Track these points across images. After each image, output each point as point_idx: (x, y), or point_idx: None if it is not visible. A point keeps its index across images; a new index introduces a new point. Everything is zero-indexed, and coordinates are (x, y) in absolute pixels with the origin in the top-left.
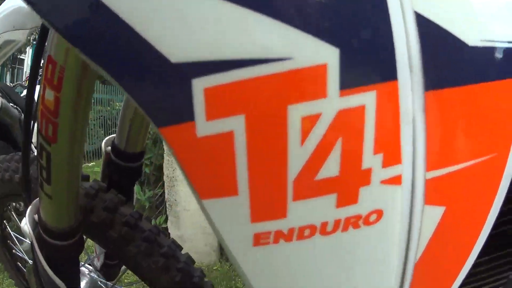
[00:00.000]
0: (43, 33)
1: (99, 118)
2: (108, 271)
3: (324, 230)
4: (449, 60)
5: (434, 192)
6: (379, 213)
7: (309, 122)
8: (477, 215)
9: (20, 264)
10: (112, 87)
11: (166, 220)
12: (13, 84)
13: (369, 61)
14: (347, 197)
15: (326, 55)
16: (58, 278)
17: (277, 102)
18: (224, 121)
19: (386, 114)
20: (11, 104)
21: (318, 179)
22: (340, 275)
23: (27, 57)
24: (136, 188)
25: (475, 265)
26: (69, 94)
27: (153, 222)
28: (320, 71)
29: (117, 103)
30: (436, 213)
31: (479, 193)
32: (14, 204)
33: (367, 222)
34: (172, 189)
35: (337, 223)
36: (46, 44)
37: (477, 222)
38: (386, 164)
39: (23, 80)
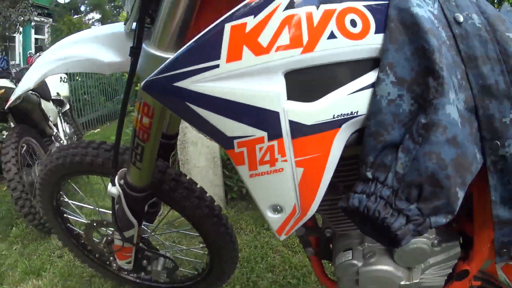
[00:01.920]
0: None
1: (99, 85)
2: (149, 217)
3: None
4: None
5: (298, 164)
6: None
7: None
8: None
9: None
10: None
11: None
12: (20, 68)
13: None
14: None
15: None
16: (133, 217)
17: None
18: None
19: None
20: (30, 91)
21: None
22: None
23: (18, 35)
24: None
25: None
26: (156, 120)
27: None
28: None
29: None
30: (299, 170)
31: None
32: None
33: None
34: (184, 150)
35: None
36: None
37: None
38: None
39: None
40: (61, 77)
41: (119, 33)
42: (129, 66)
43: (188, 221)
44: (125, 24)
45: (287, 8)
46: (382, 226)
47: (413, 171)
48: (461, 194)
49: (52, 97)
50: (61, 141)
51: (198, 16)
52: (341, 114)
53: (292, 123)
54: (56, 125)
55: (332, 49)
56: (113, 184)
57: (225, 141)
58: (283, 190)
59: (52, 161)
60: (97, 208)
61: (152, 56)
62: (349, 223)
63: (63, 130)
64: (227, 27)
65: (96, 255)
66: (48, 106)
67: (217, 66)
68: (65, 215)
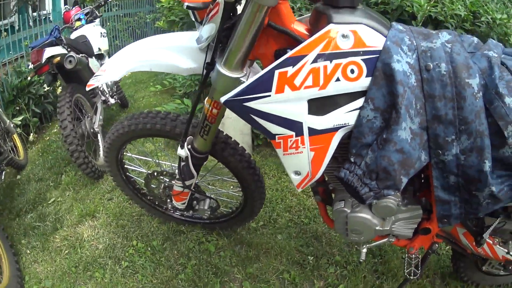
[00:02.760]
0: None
1: (128, 29)
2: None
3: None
4: None
5: (312, 150)
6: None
7: None
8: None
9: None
10: (137, 1)
11: None
12: (61, 27)
13: None
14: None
15: None
16: (194, 171)
17: None
18: None
19: None
20: (80, 55)
21: None
22: None
23: None
24: (187, 101)
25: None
26: (221, 111)
27: None
28: None
29: (142, 13)
30: (311, 153)
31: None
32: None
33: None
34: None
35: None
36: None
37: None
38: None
39: (71, 21)
40: (101, 32)
41: (193, 47)
42: (202, 74)
43: (231, 172)
44: (197, 41)
45: (313, 62)
46: (355, 191)
47: (375, 164)
48: (405, 180)
49: (95, 53)
50: (106, 94)
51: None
52: (338, 124)
53: (309, 128)
54: None
55: (337, 88)
56: (182, 148)
57: (271, 136)
58: (302, 163)
59: (124, 126)
60: (157, 161)
61: (221, 73)
62: None
63: (106, 83)
64: (276, 72)
65: (148, 198)
66: (93, 63)
67: (269, 95)
68: (125, 166)
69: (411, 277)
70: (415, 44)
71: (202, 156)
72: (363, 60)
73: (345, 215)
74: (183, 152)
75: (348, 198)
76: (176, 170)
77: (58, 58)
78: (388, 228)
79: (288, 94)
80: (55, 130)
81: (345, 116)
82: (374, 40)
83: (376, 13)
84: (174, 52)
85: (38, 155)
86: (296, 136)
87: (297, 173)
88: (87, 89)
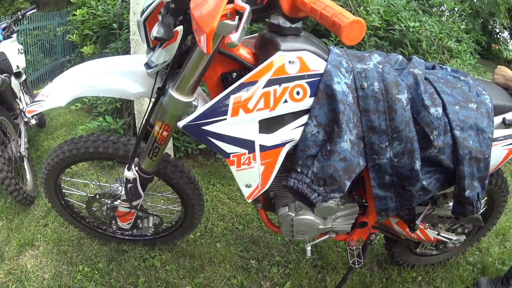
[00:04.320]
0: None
1: (38, 42)
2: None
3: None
4: None
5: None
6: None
7: None
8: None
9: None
10: (46, 14)
11: None
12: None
13: None
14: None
15: None
16: (142, 191)
17: None
18: None
19: None
20: (3, 75)
21: None
22: None
23: None
24: (109, 118)
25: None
26: (170, 133)
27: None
28: None
29: (51, 26)
30: (262, 167)
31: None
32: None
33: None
34: (141, 119)
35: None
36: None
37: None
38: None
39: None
40: (18, 49)
41: (140, 71)
42: (150, 98)
43: (172, 188)
44: (145, 65)
45: (264, 87)
46: (305, 197)
47: (322, 172)
48: (348, 183)
49: (14, 71)
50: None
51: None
52: (286, 140)
53: (260, 145)
54: (19, 98)
55: (285, 108)
56: (129, 170)
57: (226, 154)
58: (253, 177)
59: (64, 151)
60: (98, 183)
61: (174, 98)
62: (286, 190)
63: (25, 102)
64: (232, 97)
65: (87, 220)
66: (14, 83)
67: (225, 119)
68: (63, 190)
69: (356, 266)
70: (351, 66)
71: (149, 176)
72: (307, 82)
73: (291, 219)
74: (130, 174)
75: (291, 203)
76: (118, 191)
77: None
78: (330, 226)
79: (242, 116)
80: None
81: (291, 133)
82: (317, 64)
83: (316, 39)
84: (121, 76)
85: None
86: (249, 153)
87: (247, 185)
88: (28, 115)
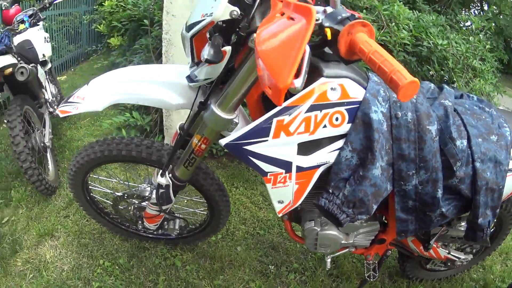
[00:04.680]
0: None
1: (63, 28)
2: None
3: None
4: None
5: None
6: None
7: None
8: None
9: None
10: (72, 0)
11: (162, 139)
12: (4, 30)
13: None
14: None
15: None
16: (173, 197)
17: None
18: None
19: None
20: (31, 65)
21: None
22: None
23: None
24: (136, 114)
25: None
26: (208, 147)
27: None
28: None
29: (77, 13)
30: (296, 186)
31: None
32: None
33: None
34: (168, 117)
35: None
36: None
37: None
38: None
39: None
40: (45, 37)
41: (181, 83)
42: (190, 110)
43: (201, 194)
44: (188, 78)
45: (306, 111)
46: (334, 216)
47: (352, 195)
48: (375, 207)
49: (40, 60)
50: (54, 105)
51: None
52: (321, 162)
53: (297, 166)
54: (45, 87)
55: (323, 133)
56: (163, 176)
57: (263, 173)
58: (286, 194)
59: (95, 151)
60: (127, 183)
61: (216, 114)
62: (313, 206)
63: (50, 91)
64: (274, 120)
65: (111, 216)
66: (40, 72)
67: (267, 140)
68: (90, 187)
69: (371, 280)
70: (388, 95)
71: (182, 184)
72: (346, 109)
73: (316, 233)
74: (163, 180)
75: (317, 218)
76: (146, 192)
77: (10, 69)
78: (351, 241)
79: (283, 139)
80: None
81: (327, 156)
82: (356, 92)
83: (356, 65)
84: (162, 86)
85: None
86: (285, 173)
87: (280, 201)
88: (61, 115)
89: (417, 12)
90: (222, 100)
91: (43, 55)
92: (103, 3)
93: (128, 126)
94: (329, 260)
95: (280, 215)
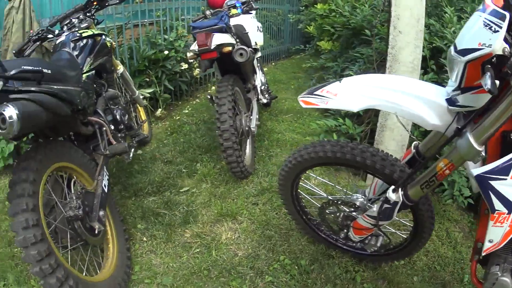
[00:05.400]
0: None
1: (266, 23)
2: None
3: None
4: None
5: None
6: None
7: None
8: None
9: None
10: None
11: None
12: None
13: None
14: None
15: None
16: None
17: None
18: None
19: None
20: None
21: None
22: None
23: None
24: (348, 122)
25: None
26: (452, 173)
27: None
28: None
29: (280, 11)
30: (508, 228)
31: None
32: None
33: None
34: (381, 133)
35: None
36: None
37: None
38: None
39: None
40: (258, 26)
41: (440, 104)
42: (442, 134)
43: (414, 218)
44: (448, 101)
45: None
46: None
47: None
48: None
49: (252, 47)
50: (264, 93)
51: None
52: None
53: None
54: (256, 74)
55: None
56: (395, 192)
57: (493, 209)
58: (498, 234)
59: (325, 150)
60: (345, 190)
61: (470, 143)
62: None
63: (260, 79)
64: None
65: (308, 216)
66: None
67: (506, 179)
68: (300, 182)
69: None
70: None
71: (411, 204)
72: None
73: (496, 278)
74: (394, 196)
75: (502, 263)
76: (357, 202)
77: (230, 48)
78: None
79: None
80: (187, 111)
81: None
82: None
83: None
84: (422, 103)
85: (166, 134)
86: (507, 214)
87: (490, 241)
88: (304, 106)
89: None
90: (478, 131)
91: (255, 43)
92: (307, 4)
93: (338, 131)
94: None
95: (484, 254)
